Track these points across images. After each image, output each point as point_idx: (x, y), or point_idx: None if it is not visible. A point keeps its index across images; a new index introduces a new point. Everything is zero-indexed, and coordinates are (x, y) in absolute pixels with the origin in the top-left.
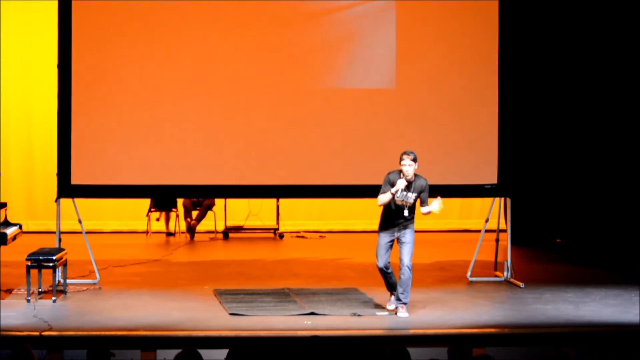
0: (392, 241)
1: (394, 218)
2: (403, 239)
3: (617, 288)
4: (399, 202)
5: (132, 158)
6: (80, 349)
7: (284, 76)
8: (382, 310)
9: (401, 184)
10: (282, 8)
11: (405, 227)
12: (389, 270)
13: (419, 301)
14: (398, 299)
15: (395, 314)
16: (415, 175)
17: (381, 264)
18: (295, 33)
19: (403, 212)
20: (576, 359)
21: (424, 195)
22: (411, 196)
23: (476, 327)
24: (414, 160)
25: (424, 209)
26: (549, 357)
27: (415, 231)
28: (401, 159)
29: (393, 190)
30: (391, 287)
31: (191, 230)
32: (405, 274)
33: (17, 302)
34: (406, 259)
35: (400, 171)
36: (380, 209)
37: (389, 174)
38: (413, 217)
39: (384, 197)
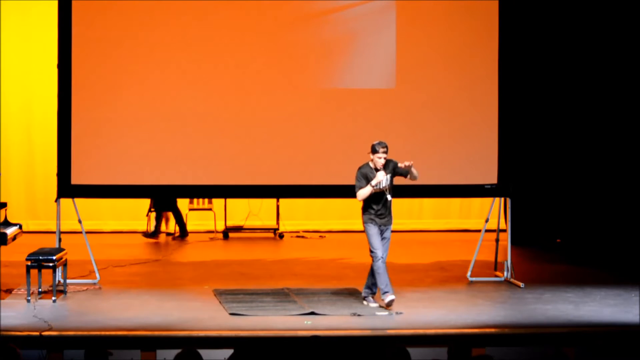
0: (380, 232)
1: (378, 207)
2: (385, 235)
3: (617, 288)
4: (379, 190)
5: (132, 158)
6: (80, 349)
7: (284, 76)
8: (382, 310)
9: (382, 175)
10: (283, 8)
11: (388, 222)
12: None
13: (419, 301)
14: (370, 289)
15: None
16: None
17: (381, 252)
18: (296, 33)
19: (386, 197)
20: (576, 359)
21: (399, 169)
22: (388, 179)
23: (476, 327)
24: (387, 151)
25: (413, 175)
26: (549, 357)
27: (412, 231)
28: (376, 151)
29: (373, 183)
30: (386, 281)
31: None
32: (383, 265)
33: (17, 302)
34: (385, 255)
35: (369, 163)
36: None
37: (360, 168)
38: (391, 210)
39: (364, 192)
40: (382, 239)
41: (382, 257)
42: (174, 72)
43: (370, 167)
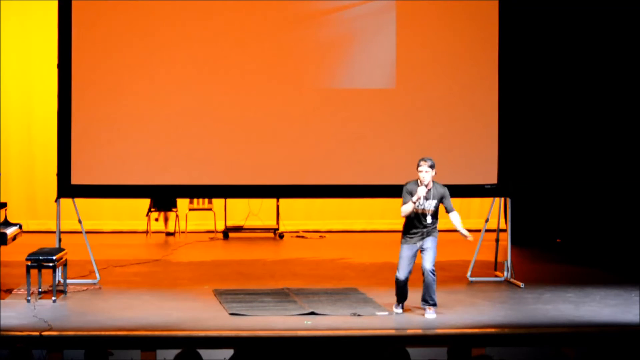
0: (416, 253)
1: (417, 227)
2: (425, 246)
3: (617, 288)
4: (419, 211)
5: (132, 158)
6: (80, 349)
7: (284, 76)
8: (382, 310)
9: (422, 191)
10: (283, 8)
11: (427, 235)
12: (406, 283)
13: (419, 301)
14: (425, 301)
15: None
16: (434, 182)
17: (402, 276)
18: (296, 33)
19: (425, 220)
20: (576, 359)
21: (446, 201)
22: (431, 203)
23: (476, 327)
24: (431, 167)
25: (452, 216)
26: (549, 357)
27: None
28: (418, 165)
29: (414, 198)
30: (403, 297)
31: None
32: (429, 277)
33: (17, 302)
34: (429, 265)
35: (417, 179)
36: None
37: (406, 184)
38: (436, 224)
39: (406, 208)
40: (424, 250)
41: (404, 280)
42: (173, 72)
43: (417, 184)
